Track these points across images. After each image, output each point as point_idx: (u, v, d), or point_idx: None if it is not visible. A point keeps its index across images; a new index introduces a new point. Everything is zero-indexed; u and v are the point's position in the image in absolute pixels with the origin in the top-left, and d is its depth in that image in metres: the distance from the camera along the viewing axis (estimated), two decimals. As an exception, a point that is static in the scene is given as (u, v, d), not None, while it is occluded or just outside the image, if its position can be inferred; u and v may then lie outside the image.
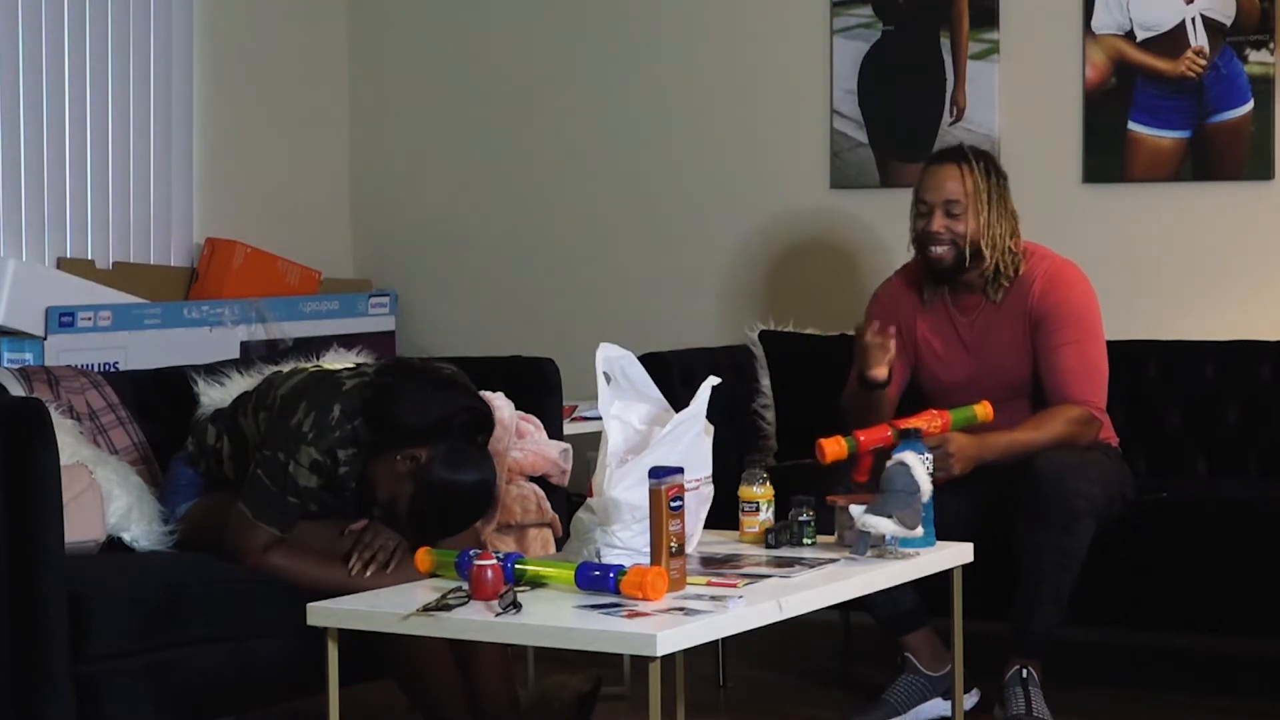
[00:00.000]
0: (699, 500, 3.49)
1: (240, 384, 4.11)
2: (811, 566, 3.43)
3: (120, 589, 3.41)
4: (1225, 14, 5.00)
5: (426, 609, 3.09)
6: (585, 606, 3.08)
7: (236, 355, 4.91)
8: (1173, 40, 5.06)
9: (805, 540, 3.63)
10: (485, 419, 3.70)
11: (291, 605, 3.37)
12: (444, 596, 3.13)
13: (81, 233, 5.31)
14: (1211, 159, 5.05)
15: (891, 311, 4.53)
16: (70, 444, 3.77)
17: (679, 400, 3.50)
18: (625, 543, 3.33)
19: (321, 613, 3.19)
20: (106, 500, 3.75)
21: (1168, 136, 5.09)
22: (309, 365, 3.92)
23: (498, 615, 3.04)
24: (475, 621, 3.05)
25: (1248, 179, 5.02)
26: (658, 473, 3.19)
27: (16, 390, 3.97)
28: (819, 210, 5.56)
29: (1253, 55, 4.98)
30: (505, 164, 6.02)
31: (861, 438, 3.84)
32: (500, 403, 4.14)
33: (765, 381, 5.11)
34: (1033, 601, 4.13)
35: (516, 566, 3.24)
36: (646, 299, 5.79)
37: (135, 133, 5.45)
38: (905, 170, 5.40)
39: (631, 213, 5.83)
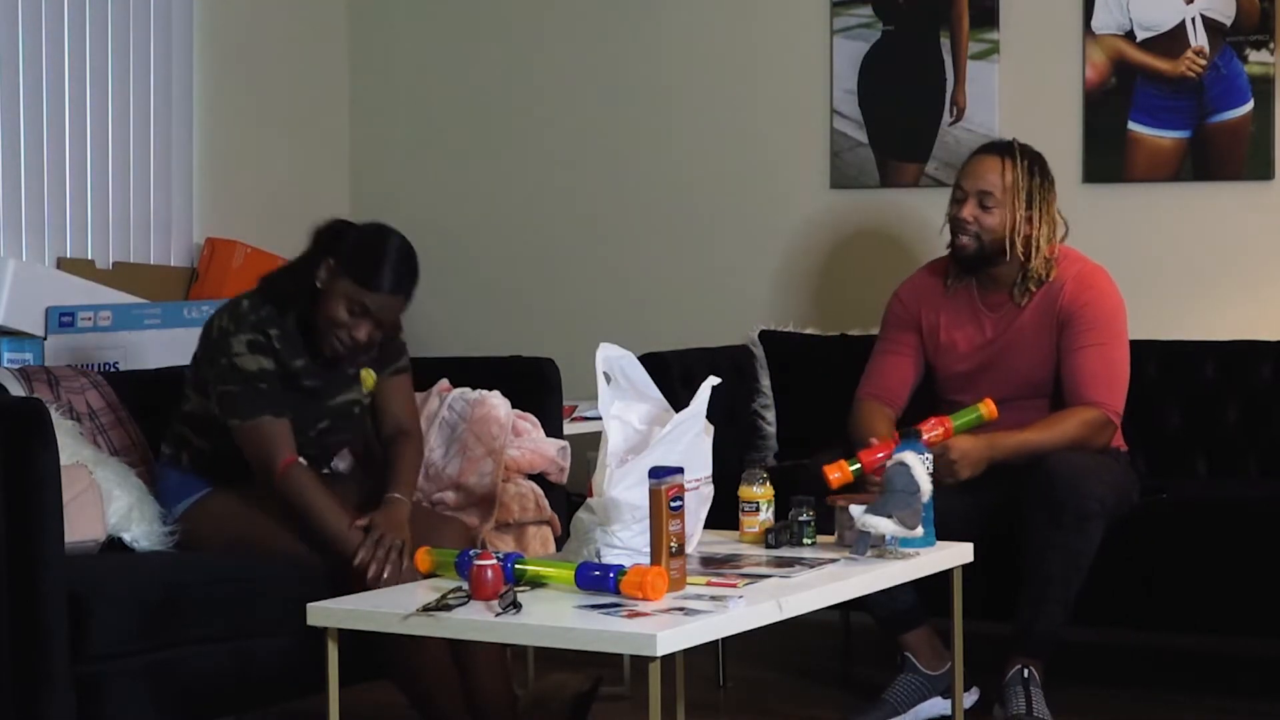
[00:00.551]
0: (699, 500, 3.49)
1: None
2: (811, 566, 3.43)
3: (120, 589, 3.41)
4: (1225, 14, 5.00)
5: (426, 609, 3.09)
6: (585, 606, 3.08)
7: (236, 355, 4.91)
8: (1173, 40, 5.06)
9: (805, 540, 3.64)
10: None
11: (291, 605, 3.37)
12: (444, 596, 3.13)
13: (81, 233, 5.31)
14: (1211, 159, 5.05)
15: (914, 311, 4.53)
16: (70, 444, 3.77)
17: (679, 400, 3.50)
18: (625, 543, 3.33)
19: (321, 613, 3.19)
20: (107, 500, 3.75)
21: (1168, 136, 5.09)
22: None
23: (498, 615, 3.04)
24: (475, 621, 3.05)
25: (1248, 179, 5.02)
26: (658, 473, 3.19)
27: (16, 390, 3.97)
28: (819, 210, 5.56)
29: (1253, 55, 4.98)
30: (505, 164, 6.02)
31: (864, 459, 3.90)
32: (496, 400, 4.14)
33: (765, 381, 5.11)
34: (1039, 601, 4.13)
35: (516, 566, 3.24)
36: (646, 299, 5.79)
37: (135, 133, 5.45)
38: (905, 170, 5.41)
39: (632, 213, 5.83)
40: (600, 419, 3.47)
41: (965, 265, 4.45)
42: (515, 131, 5.99)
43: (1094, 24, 5.16)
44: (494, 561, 3.16)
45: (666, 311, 5.73)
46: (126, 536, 3.78)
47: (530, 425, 4.21)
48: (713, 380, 3.49)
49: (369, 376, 3.97)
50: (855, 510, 3.52)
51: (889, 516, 3.48)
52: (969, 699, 4.31)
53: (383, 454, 3.97)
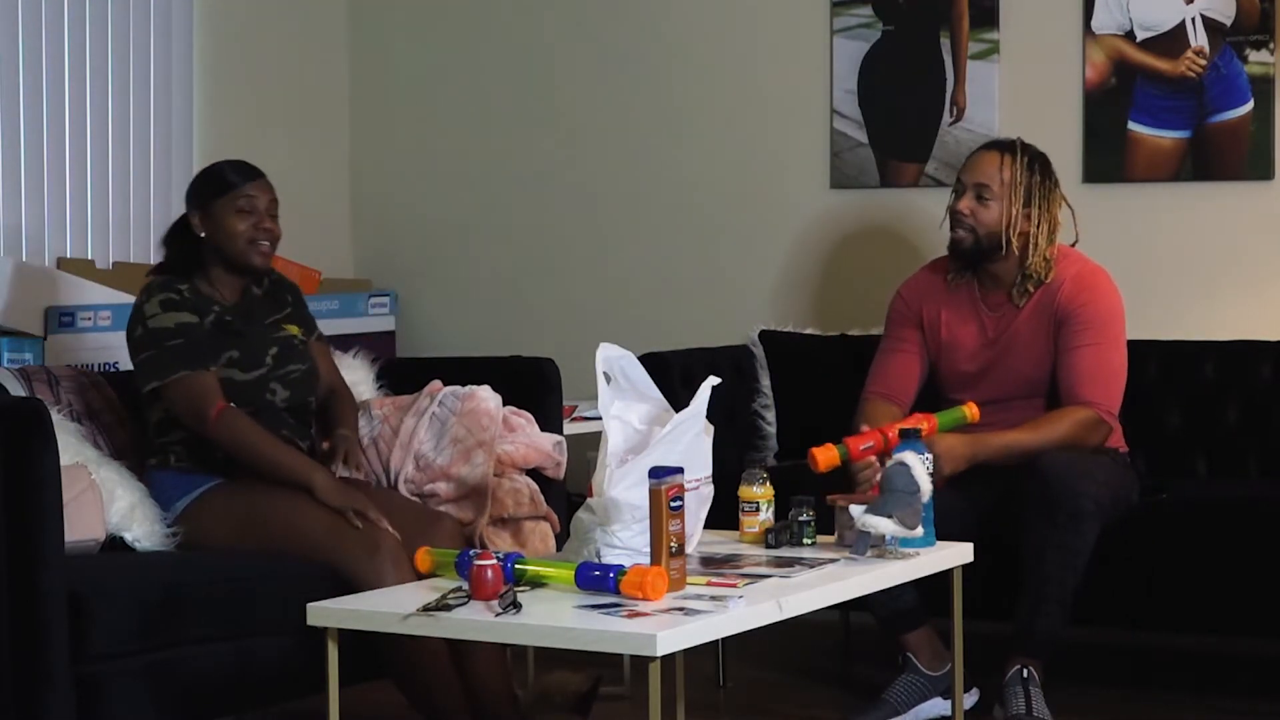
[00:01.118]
0: (699, 500, 3.49)
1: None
2: (811, 566, 3.43)
3: (120, 589, 3.41)
4: (1225, 14, 5.00)
5: (426, 609, 3.09)
6: (585, 606, 3.08)
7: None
8: (1173, 40, 5.06)
9: (805, 540, 3.64)
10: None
11: (292, 605, 3.37)
12: (444, 596, 3.13)
13: (81, 233, 5.31)
14: (1211, 159, 5.05)
15: (916, 308, 4.54)
16: (73, 444, 3.77)
17: (679, 400, 3.50)
18: (625, 543, 3.33)
19: (321, 613, 3.20)
20: (109, 500, 3.75)
21: (1168, 136, 5.09)
22: None
23: (498, 615, 3.04)
24: (475, 621, 3.05)
25: (1248, 179, 5.02)
26: (658, 473, 3.19)
27: (16, 390, 3.97)
28: (819, 210, 5.56)
29: (1253, 55, 4.98)
30: (506, 164, 6.02)
31: (851, 444, 3.88)
32: (485, 394, 4.14)
33: (765, 381, 5.10)
34: (1037, 601, 4.13)
35: (516, 566, 3.24)
36: (646, 299, 5.79)
37: (135, 133, 5.45)
38: (905, 170, 5.41)
39: (632, 212, 5.83)
40: (600, 419, 3.47)
41: (962, 260, 4.46)
42: (515, 132, 5.99)
43: (1094, 24, 5.16)
44: (494, 561, 3.16)
45: (666, 311, 5.73)
46: (128, 536, 3.78)
47: (524, 421, 4.20)
48: (713, 380, 3.49)
49: (294, 329, 4.11)
50: (855, 510, 3.52)
51: (889, 516, 3.48)
52: (969, 699, 4.31)
53: (320, 411, 4.12)
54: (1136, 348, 4.53)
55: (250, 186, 4.00)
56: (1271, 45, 4.96)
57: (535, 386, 4.33)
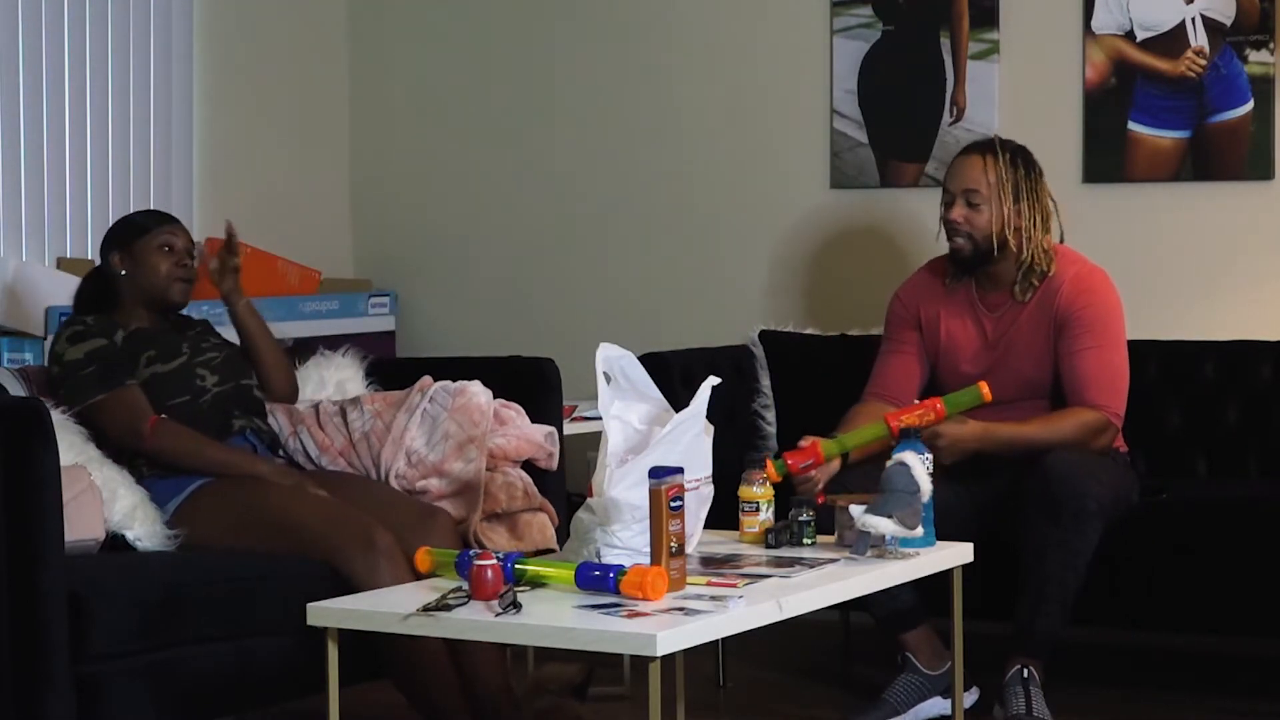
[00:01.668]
0: (699, 500, 3.49)
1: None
2: (811, 566, 3.43)
3: (120, 589, 3.41)
4: (1225, 14, 5.00)
5: (426, 609, 3.09)
6: (585, 606, 3.08)
7: (236, 355, 4.91)
8: (1173, 40, 5.06)
9: (805, 540, 3.64)
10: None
11: (292, 605, 3.37)
12: (444, 596, 3.13)
13: (81, 233, 5.31)
14: (1211, 159, 5.05)
15: (914, 310, 4.53)
16: (75, 444, 3.77)
17: (679, 400, 3.50)
18: (625, 543, 3.33)
19: (321, 613, 3.20)
20: (110, 500, 3.75)
21: (1168, 136, 5.09)
22: None
23: (498, 615, 3.04)
24: (475, 621, 3.05)
25: (1248, 179, 5.02)
26: (658, 473, 3.19)
27: (16, 390, 3.97)
28: (819, 210, 5.56)
29: (1253, 55, 4.98)
30: (505, 164, 6.02)
31: (790, 461, 4.01)
32: (476, 389, 4.14)
33: (765, 381, 5.10)
34: (1038, 601, 4.13)
35: (516, 566, 3.24)
36: (646, 299, 5.79)
37: (135, 133, 5.45)
38: (905, 170, 5.41)
39: (631, 213, 5.83)
40: (600, 419, 3.46)
41: (964, 266, 4.45)
42: (515, 132, 5.99)
43: (1094, 24, 5.16)
44: (494, 561, 3.16)
45: (666, 311, 5.73)
46: (129, 535, 3.77)
47: (515, 413, 4.19)
48: (713, 380, 3.49)
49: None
50: (855, 510, 3.52)
51: (889, 516, 3.48)
52: (969, 699, 4.31)
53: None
54: (1136, 348, 4.52)
55: (170, 228, 4.14)
56: (1271, 45, 4.96)
57: (535, 386, 4.33)
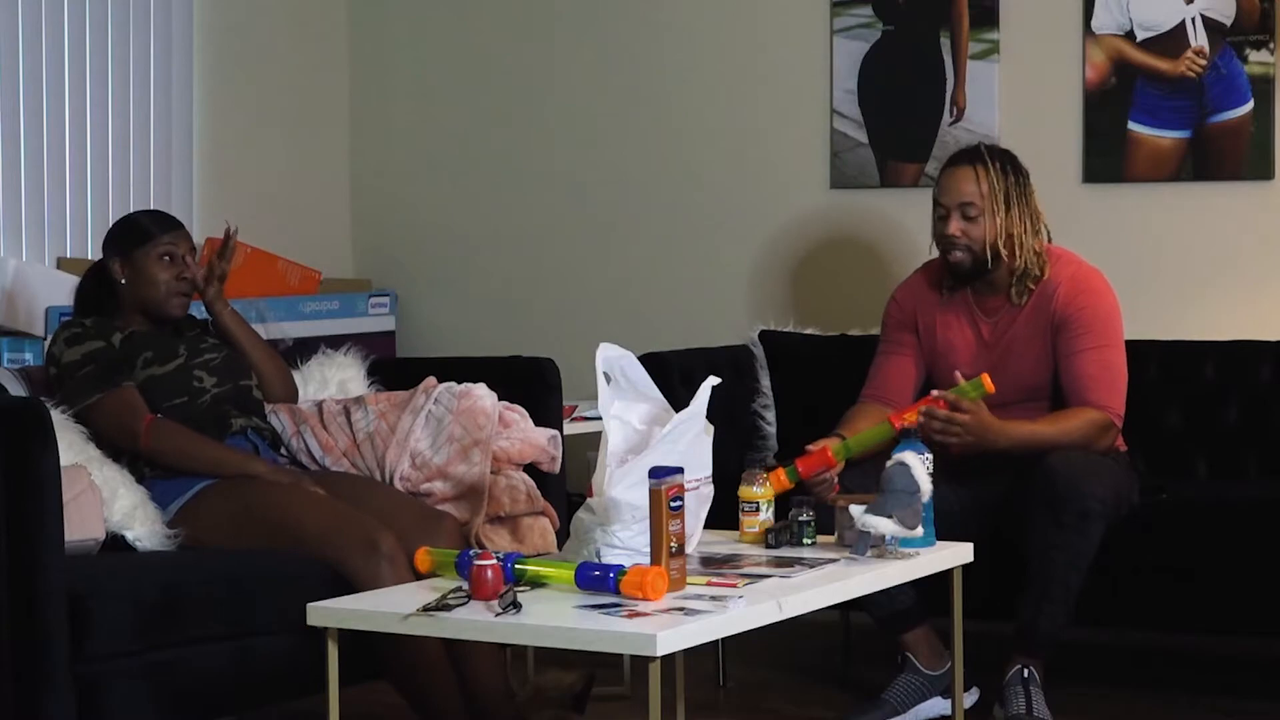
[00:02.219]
0: (699, 500, 3.49)
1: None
2: (811, 566, 3.43)
3: (120, 589, 3.41)
4: (1225, 14, 5.00)
5: (426, 609, 3.09)
6: (585, 606, 3.08)
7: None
8: (1173, 40, 5.06)
9: (805, 540, 3.64)
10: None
11: (292, 605, 3.37)
12: (444, 596, 3.13)
13: (81, 233, 5.31)
14: (1211, 159, 5.05)
15: (910, 313, 4.53)
16: (75, 444, 3.77)
17: (679, 400, 3.50)
18: (625, 543, 3.33)
19: (321, 613, 3.20)
20: (110, 500, 3.75)
21: (1168, 136, 5.09)
22: None
23: (498, 615, 3.04)
24: (475, 621, 3.05)
25: (1248, 179, 5.02)
26: (658, 473, 3.19)
27: (17, 390, 3.98)
28: (819, 210, 5.56)
29: (1253, 55, 4.98)
30: (505, 164, 6.02)
31: (801, 468, 3.98)
32: (481, 392, 4.14)
33: (765, 381, 5.10)
34: (1040, 601, 4.13)
35: (516, 566, 3.24)
36: (646, 299, 5.79)
37: (135, 133, 5.45)
38: (905, 170, 5.41)
39: (631, 213, 5.83)
40: (600, 419, 3.46)
41: (962, 278, 4.44)
42: (515, 132, 5.99)
43: (1094, 24, 5.16)
44: (494, 561, 3.16)
45: (666, 311, 5.73)
46: (129, 535, 3.77)
47: (518, 416, 4.19)
48: (713, 380, 3.49)
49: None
50: (855, 510, 3.52)
51: (889, 516, 3.48)
52: (969, 699, 4.31)
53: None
54: (1136, 348, 4.52)
55: (171, 236, 4.09)
56: (1271, 45, 4.97)
57: (535, 386, 4.33)
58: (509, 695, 3.78)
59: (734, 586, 3.22)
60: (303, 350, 4.51)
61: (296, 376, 4.37)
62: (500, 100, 6.01)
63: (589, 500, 3.39)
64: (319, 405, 4.23)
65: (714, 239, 5.71)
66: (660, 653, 2.86)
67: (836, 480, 4.08)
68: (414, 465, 4.09)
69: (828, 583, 3.33)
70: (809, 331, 5.25)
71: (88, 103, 5.32)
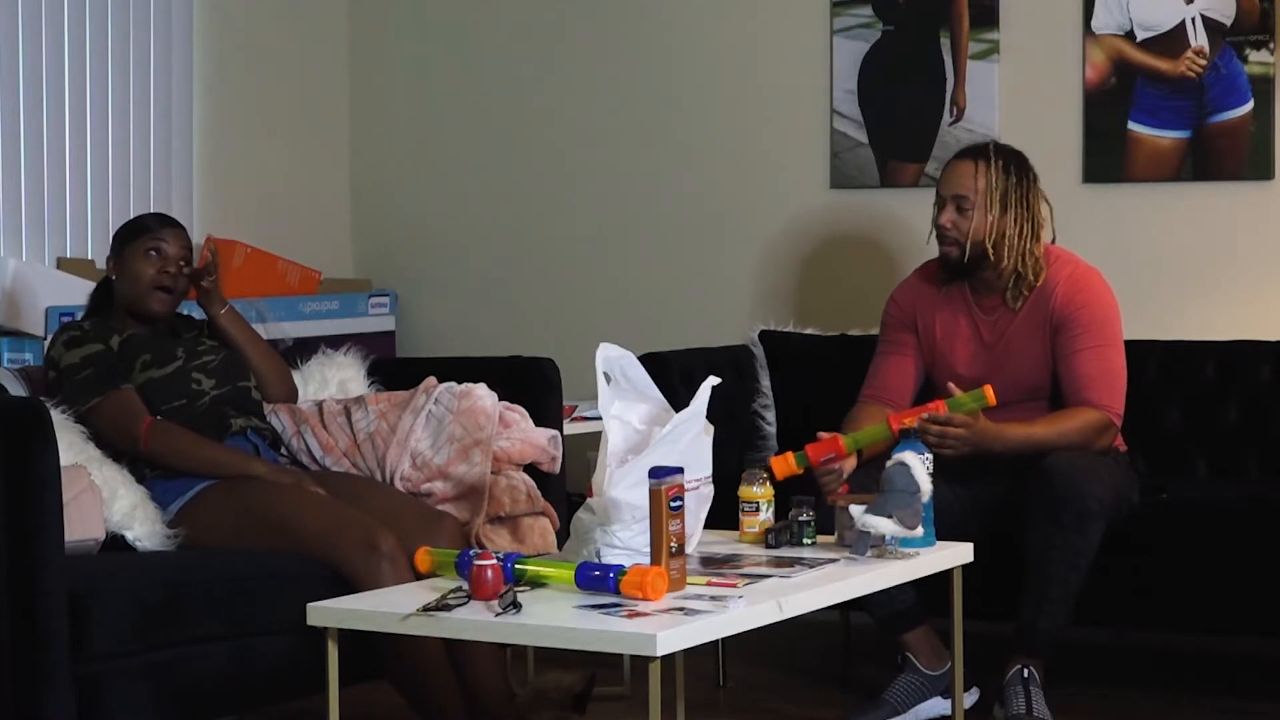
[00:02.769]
0: (699, 500, 3.49)
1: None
2: (811, 566, 3.43)
3: (120, 589, 3.40)
4: (1225, 14, 5.00)
5: (426, 609, 3.09)
6: (585, 606, 3.08)
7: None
8: (1173, 40, 5.07)
9: (805, 540, 3.64)
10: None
11: (292, 605, 3.37)
12: (444, 596, 3.13)
13: (81, 233, 5.31)
14: (1211, 159, 5.05)
15: (909, 312, 4.53)
16: (75, 444, 3.77)
17: (679, 400, 3.50)
18: (625, 543, 3.33)
19: (321, 613, 3.20)
20: (110, 500, 3.75)
21: (1168, 136, 5.10)
22: None
23: (498, 615, 3.04)
24: (475, 621, 3.05)
25: (1248, 179, 5.02)
26: (658, 473, 3.19)
27: (17, 390, 3.98)
28: (819, 210, 5.56)
29: (1253, 55, 4.98)
30: (505, 164, 6.02)
31: (811, 453, 3.97)
32: (482, 392, 4.14)
33: (765, 381, 5.11)
34: (1040, 601, 4.13)
35: (516, 566, 3.24)
36: (646, 299, 5.79)
37: (135, 133, 5.45)
38: (905, 170, 5.41)
39: (631, 213, 5.83)
40: (600, 419, 3.46)
41: (952, 271, 4.45)
42: (515, 132, 5.99)
43: (1094, 24, 5.16)
44: (494, 561, 3.16)
45: (666, 311, 5.73)
46: (129, 535, 3.78)
47: (519, 416, 4.20)
48: (713, 380, 3.49)
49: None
50: (855, 510, 3.52)
51: (889, 516, 3.48)
52: (969, 699, 4.31)
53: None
54: (1136, 348, 4.52)
55: (164, 233, 4.07)
56: (1271, 45, 4.97)
57: (535, 386, 4.33)
58: (509, 695, 3.78)
59: (734, 586, 3.22)
60: (303, 350, 4.51)
61: (296, 376, 4.37)
62: (500, 101, 6.01)
63: (589, 500, 3.39)
64: (319, 405, 4.23)
65: (714, 239, 5.71)
66: (660, 653, 2.86)
67: (845, 479, 4.07)
68: (414, 465, 4.09)
69: (828, 583, 3.33)
70: (809, 331, 5.25)
71: (88, 103, 5.32)
